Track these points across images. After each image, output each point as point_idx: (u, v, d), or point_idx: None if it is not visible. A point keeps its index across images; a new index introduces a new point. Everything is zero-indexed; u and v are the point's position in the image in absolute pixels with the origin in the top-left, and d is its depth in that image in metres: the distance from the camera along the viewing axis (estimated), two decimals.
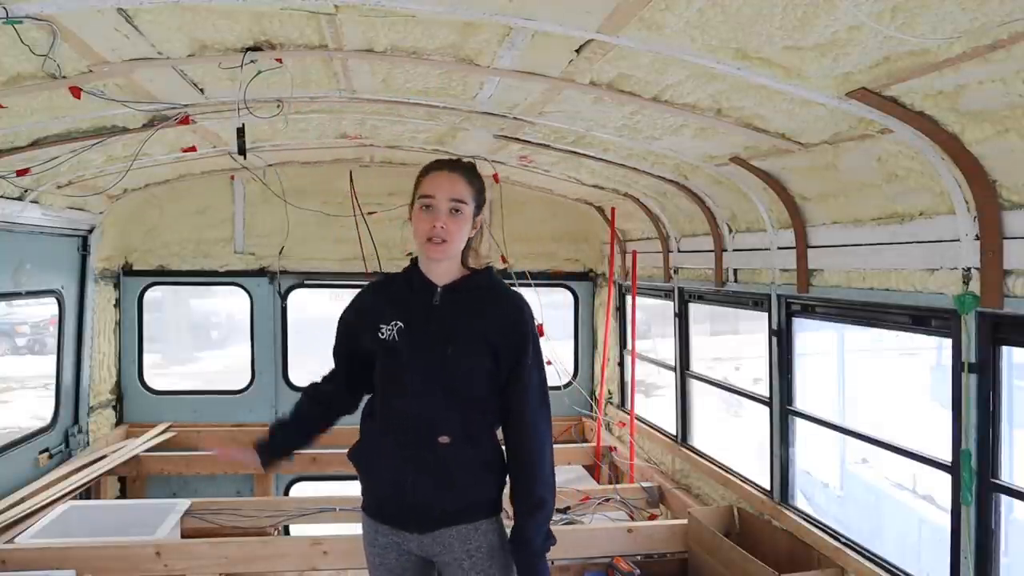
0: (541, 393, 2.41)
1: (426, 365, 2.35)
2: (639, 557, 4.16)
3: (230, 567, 3.86)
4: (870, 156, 2.78)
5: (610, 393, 6.40)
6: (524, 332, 2.39)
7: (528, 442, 2.37)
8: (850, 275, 3.21)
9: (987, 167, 2.35)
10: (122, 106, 3.19)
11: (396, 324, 2.39)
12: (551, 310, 6.08)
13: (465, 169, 2.43)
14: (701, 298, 4.93)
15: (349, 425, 6.68)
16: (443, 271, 2.44)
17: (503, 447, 2.46)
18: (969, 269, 2.50)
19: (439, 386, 2.35)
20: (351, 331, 2.57)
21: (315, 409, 2.64)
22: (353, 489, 5.57)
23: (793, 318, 3.82)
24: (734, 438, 5.28)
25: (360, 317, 2.53)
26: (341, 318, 2.61)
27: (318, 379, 2.67)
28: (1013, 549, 2.72)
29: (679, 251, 5.03)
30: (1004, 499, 2.54)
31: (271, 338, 6.25)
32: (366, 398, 2.61)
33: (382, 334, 2.40)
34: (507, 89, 3.22)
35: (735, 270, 4.31)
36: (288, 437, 2.64)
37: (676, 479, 5.07)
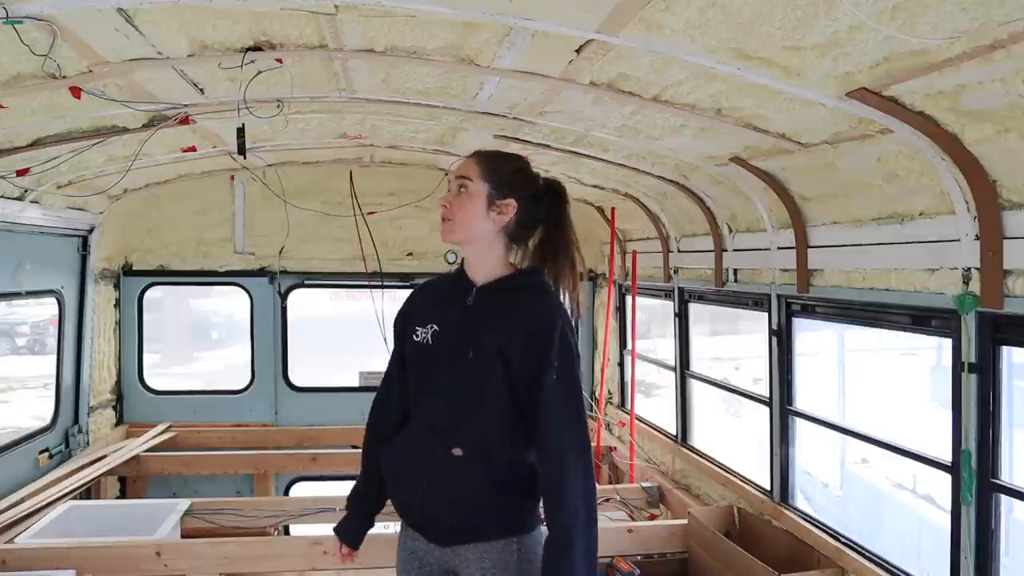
0: (569, 419, 2.13)
1: (450, 370, 2.20)
2: (639, 557, 4.15)
3: (230, 567, 3.86)
4: (870, 156, 2.78)
5: (610, 393, 6.40)
6: (545, 342, 2.11)
7: (550, 471, 2.12)
8: (850, 275, 3.21)
9: (987, 167, 2.35)
10: (122, 106, 3.19)
11: (432, 327, 2.25)
12: None
13: (481, 153, 2.31)
14: (701, 298, 4.93)
15: (351, 425, 6.67)
16: (481, 268, 2.26)
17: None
18: (969, 269, 2.50)
19: (458, 395, 2.19)
20: (398, 340, 2.41)
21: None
22: None
23: (793, 318, 3.82)
24: (734, 438, 5.28)
25: (402, 321, 2.38)
26: (396, 328, 2.42)
27: (373, 414, 2.47)
28: (1013, 549, 2.72)
29: (679, 251, 5.03)
30: (1004, 499, 2.54)
31: (271, 338, 6.25)
32: None
33: (416, 336, 2.27)
34: (507, 89, 3.22)
35: (735, 270, 4.31)
36: (368, 503, 2.53)
37: (676, 479, 5.07)
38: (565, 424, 2.13)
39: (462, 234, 2.23)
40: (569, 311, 2.24)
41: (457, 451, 2.18)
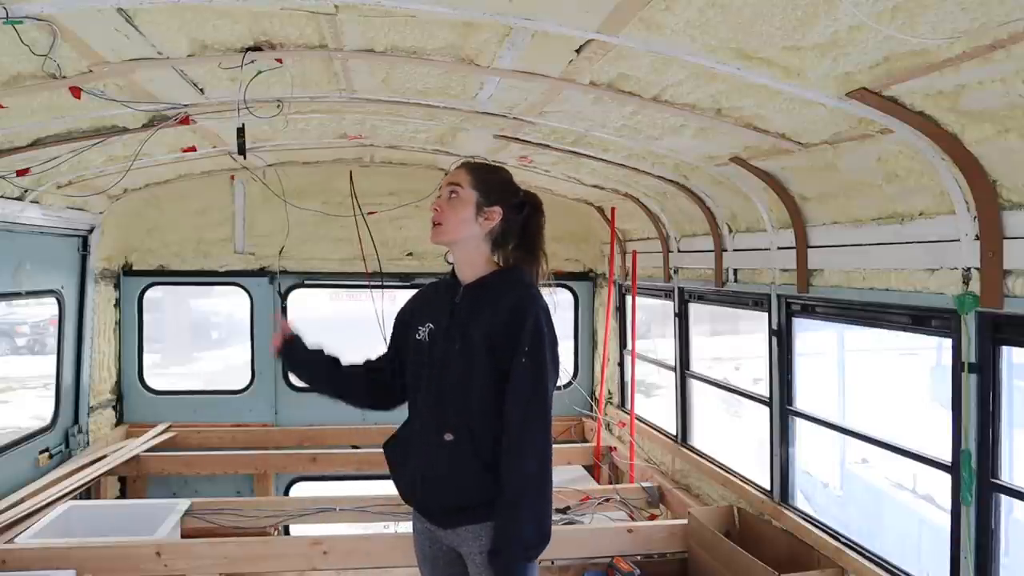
0: (532, 397, 2.32)
1: (442, 362, 2.43)
2: (639, 557, 4.16)
3: (230, 567, 3.86)
4: (870, 156, 2.79)
5: (610, 393, 6.39)
6: (517, 331, 2.31)
7: (507, 441, 2.30)
8: (850, 275, 3.21)
9: (987, 167, 2.35)
10: (122, 106, 3.19)
11: (428, 326, 2.51)
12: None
13: (470, 164, 2.56)
14: (701, 298, 4.93)
15: (351, 425, 6.67)
16: (468, 268, 2.50)
17: None
18: (969, 269, 2.50)
19: (447, 384, 2.41)
20: (400, 329, 2.67)
21: (357, 367, 2.72)
22: (353, 489, 5.58)
23: (793, 318, 3.82)
24: (734, 438, 5.28)
25: (408, 318, 2.65)
26: (397, 315, 2.72)
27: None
28: (1013, 549, 2.72)
29: (679, 251, 5.03)
30: (1004, 499, 2.54)
31: (271, 338, 6.23)
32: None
33: (419, 335, 2.52)
34: (507, 89, 3.22)
35: (735, 270, 4.31)
36: (319, 353, 2.71)
37: (676, 479, 5.07)
38: (526, 401, 2.32)
39: (450, 236, 2.48)
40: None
41: (448, 436, 2.38)
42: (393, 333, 2.72)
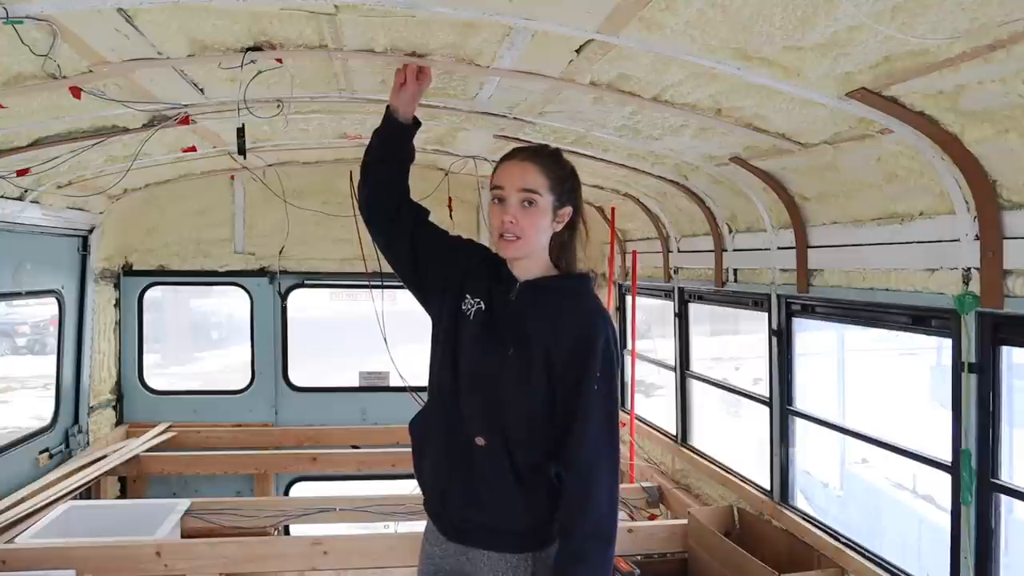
0: (605, 430, 2.07)
1: (481, 359, 2.16)
2: (639, 557, 4.16)
3: (230, 567, 3.86)
4: (870, 156, 2.79)
5: None
6: (589, 350, 2.06)
7: (577, 481, 2.05)
8: (850, 275, 3.21)
9: (987, 167, 2.35)
10: (122, 106, 3.18)
11: (479, 303, 2.20)
12: None
13: (541, 156, 2.23)
14: (701, 298, 4.93)
15: (351, 425, 6.66)
16: (529, 268, 2.23)
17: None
18: (969, 269, 2.50)
19: (487, 385, 2.14)
20: (450, 252, 2.36)
21: (405, 177, 2.49)
22: (353, 489, 5.57)
23: (793, 318, 3.83)
24: (734, 438, 5.28)
25: (469, 264, 2.31)
26: (466, 240, 2.42)
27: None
28: (1013, 549, 2.72)
29: (679, 251, 5.03)
30: (1004, 499, 2.54)
31: (271, 338, 6.26)
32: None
33: (465, 305, 2.22)
34: (507, 89, 3.22)
35: (735, 270, 4.31)
36: (410, 152, 2.53)
37: (676, 479, 5.07)
38: (600, 436, 2.07)
39: (528, 250, 2.19)
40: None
41: (480, 440, 2.13)
42: (446, 239, 2.40)
